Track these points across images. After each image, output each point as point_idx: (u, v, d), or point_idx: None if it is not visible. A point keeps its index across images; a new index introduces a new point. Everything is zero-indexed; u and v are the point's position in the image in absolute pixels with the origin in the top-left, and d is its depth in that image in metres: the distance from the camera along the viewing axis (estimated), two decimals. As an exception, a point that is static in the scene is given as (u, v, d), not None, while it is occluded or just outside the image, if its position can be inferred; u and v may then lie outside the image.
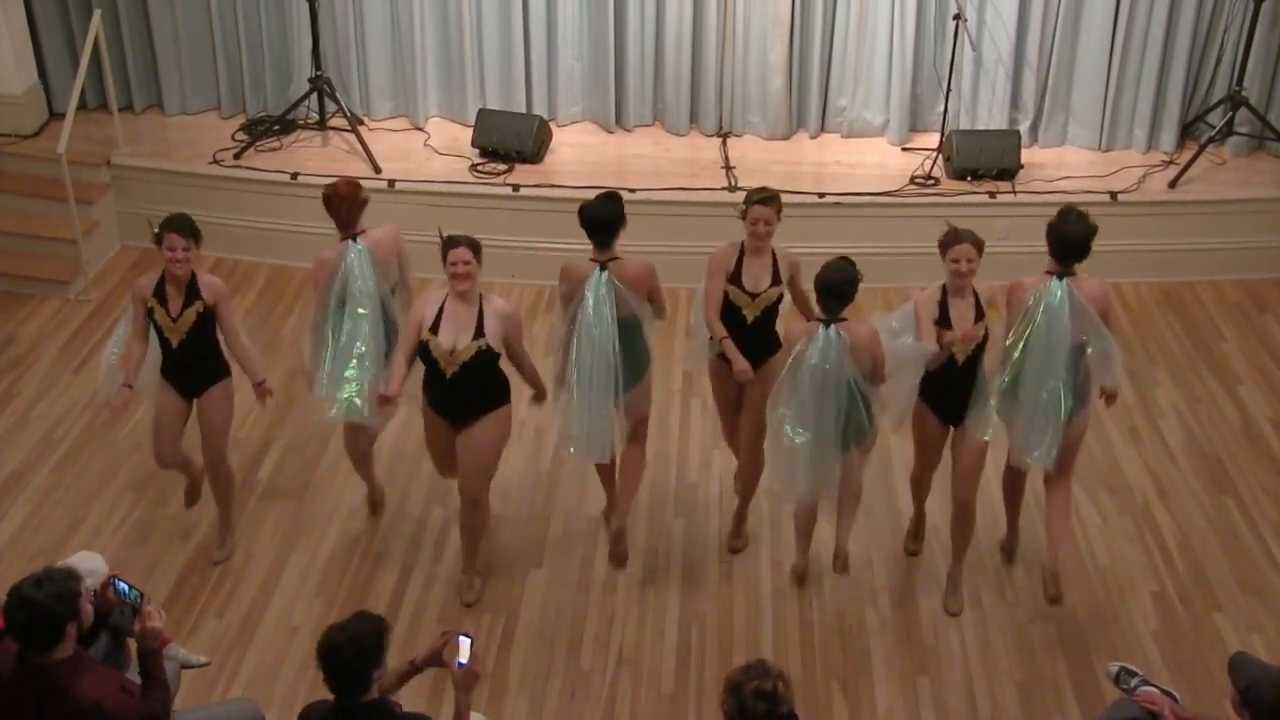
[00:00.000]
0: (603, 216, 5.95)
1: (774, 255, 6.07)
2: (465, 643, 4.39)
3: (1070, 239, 5.72)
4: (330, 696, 4.26)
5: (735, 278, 6.05)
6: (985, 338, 5.83)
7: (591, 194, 8.53)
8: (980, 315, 5.80)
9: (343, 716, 4.22)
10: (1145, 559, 6.57)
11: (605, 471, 6.49)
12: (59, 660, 4.24)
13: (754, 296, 6.03)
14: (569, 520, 6.81)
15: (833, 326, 5.61)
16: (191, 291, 6.05)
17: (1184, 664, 5.94)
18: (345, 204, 6.14)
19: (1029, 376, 5.74)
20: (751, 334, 6.06)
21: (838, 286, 5.61)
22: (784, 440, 5.72)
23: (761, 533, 6.72)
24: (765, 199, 6.00)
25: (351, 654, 4.13)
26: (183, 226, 5.99)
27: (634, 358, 6.07)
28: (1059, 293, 5.67)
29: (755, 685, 3.93)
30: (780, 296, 6.09)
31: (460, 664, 4.36)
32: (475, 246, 5.77)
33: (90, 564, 4.97)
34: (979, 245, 5.76)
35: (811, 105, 9.49)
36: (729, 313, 6.08)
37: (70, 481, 7.04)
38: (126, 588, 4.60)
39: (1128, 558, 6.57)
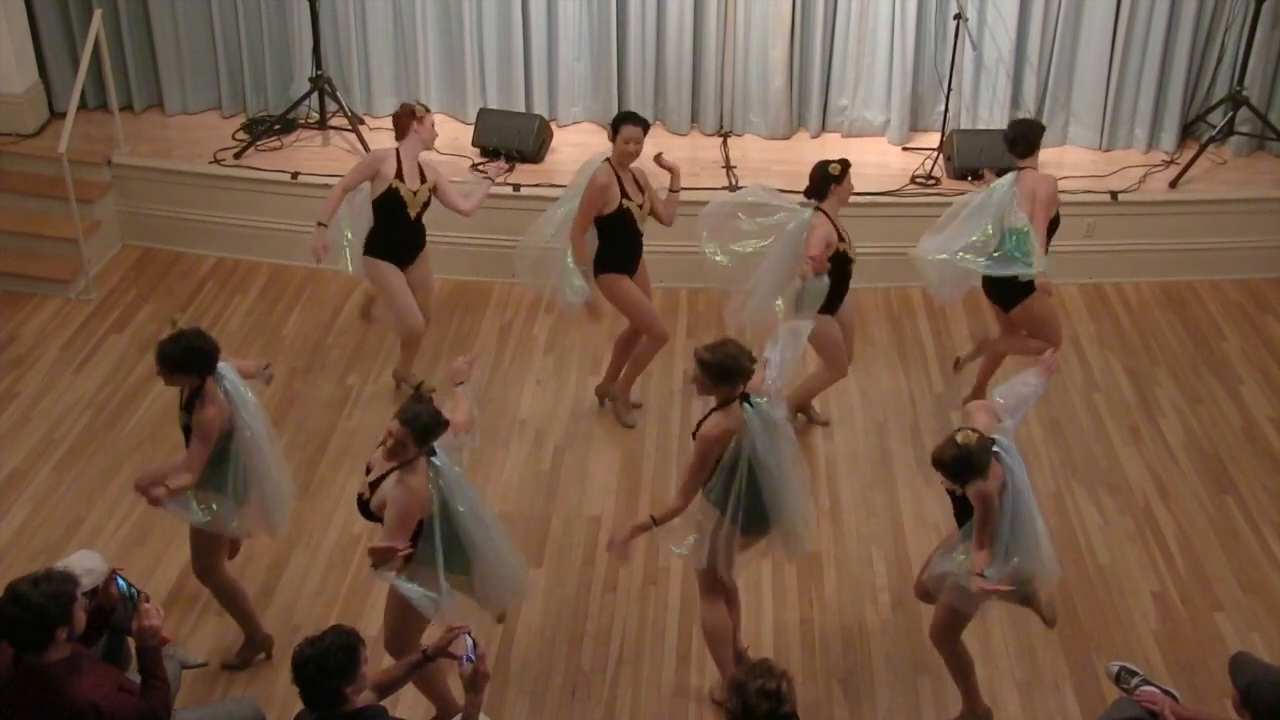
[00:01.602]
0: (614, 121, 7.10)
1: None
2: (468, 641, 4.39)
3: (1006, 134, 7.00)
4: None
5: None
6: None
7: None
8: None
9: None
10: (1146, 558, 6.57)
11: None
12: (56, 661, 4.24)
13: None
14: (569, 520, 6.81)
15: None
16: (190, 406, 5.43)
17: (1184, 663, 5.94)
18: (400, 115, 7.14)
19: (951, 230, 6.98)
20: None
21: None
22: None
23: (762, 532, 6.73)
24: None
25: (316, 671, 4.14)
26: (173, 364, 5.33)
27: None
28: (1002, 185, 6.87)
29: (760, 684, 3.94)
30: None
31: (468, 658, 4.34)
32: (414, 426, 4.89)
33: (90, 563, 4.98)
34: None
35: (812, 105, 9.49)
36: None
37: (71, 481, 7.04)
38: (126, 584, 4.60)
39: (1128, 557, 6.57)
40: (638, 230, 7.09)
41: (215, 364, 5.38)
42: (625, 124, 6.94)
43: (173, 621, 6.08)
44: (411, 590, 4.96)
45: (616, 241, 7.07)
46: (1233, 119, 9.08)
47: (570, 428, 7.44)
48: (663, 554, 6.56)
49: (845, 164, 6.74)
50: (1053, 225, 6.88)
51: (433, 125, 7.13)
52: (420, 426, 4.89)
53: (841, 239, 6.71)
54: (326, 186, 8.61)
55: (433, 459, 5.01)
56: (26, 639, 4.21)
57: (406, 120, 7.05)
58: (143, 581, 6.31)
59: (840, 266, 6.73)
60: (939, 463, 5.02)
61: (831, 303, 6.81)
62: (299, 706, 5.27)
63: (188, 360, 5.33)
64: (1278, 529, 6.75)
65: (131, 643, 4.83)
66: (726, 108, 9.51)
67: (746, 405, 5.22)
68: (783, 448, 5.29)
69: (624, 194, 6.98)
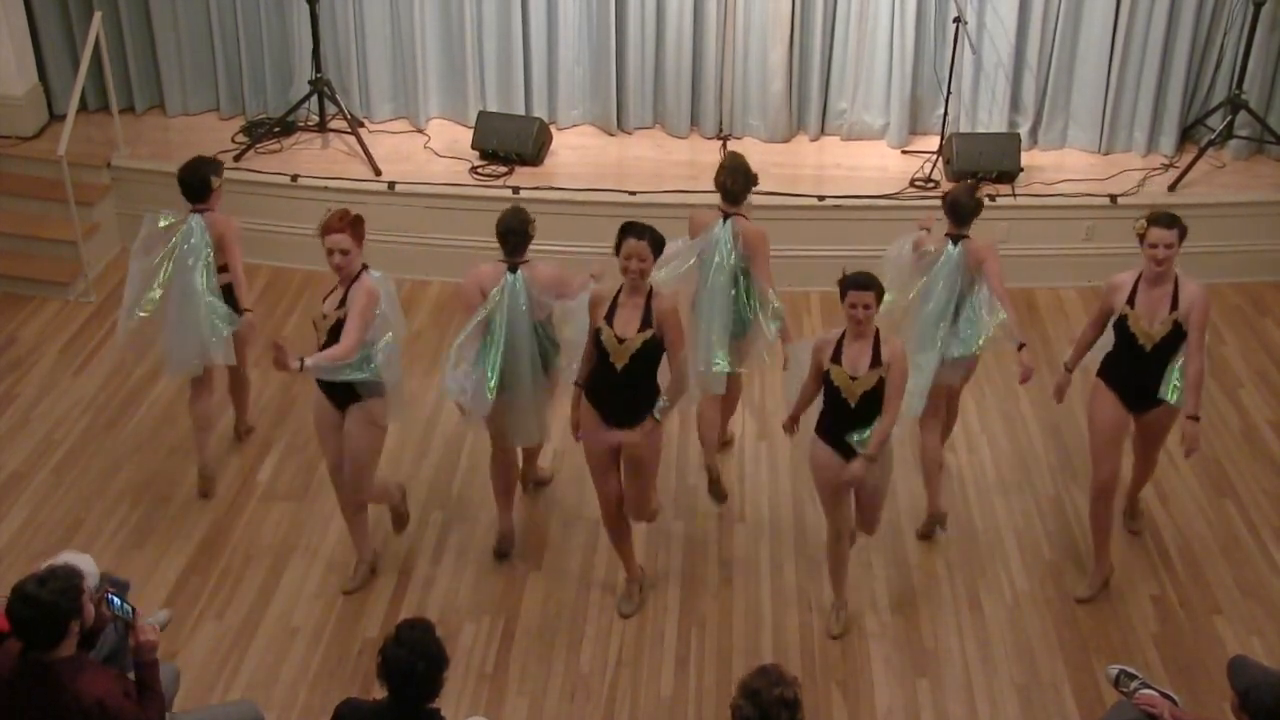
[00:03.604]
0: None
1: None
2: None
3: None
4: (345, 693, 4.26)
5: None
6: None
7: (592, 196, 8.66)
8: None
9: None
10: (1145, 561, 6.57)
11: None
12: (63, 659, 4.27)
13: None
14: (568, 522, 6.81)
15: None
16: None
17: (1184, 667, 5.94)
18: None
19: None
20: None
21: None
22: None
23: (761, 536, 6.73)
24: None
25: (426, 666, 4.17)
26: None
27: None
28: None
29: (778, 693, 3.91)
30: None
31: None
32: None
33: (78, 564, 4.95)
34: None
35: (811, 108, 9.50)
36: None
37: (70, 483, 7.04)
38: (119, 602, 4.60)
39: (1128, 560, 6.57)
40: (607, 362, 5.81)
41: (191, 200, 6.59)
42: (625, 237, 5.73)
43: (172, 622, 6.07)
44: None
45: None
46: (1232, 122, 9.08)
47: (569, 430, 7.43)
48: (661, 556, 6.57)
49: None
50: None
51: (333, 248, 5.76)
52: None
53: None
54: (326, 189, 8.69)
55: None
56: (41, 636, 4.25)
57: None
58: (142, 583, 6.32)
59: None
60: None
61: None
62: (300, 709, 5.28)
63: (180, 181, 6.62)
64: (1277, 533, 6.75)
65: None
66: (726, 111, 9.51)
67: None
68: None
69: (609, 318, 5.81)
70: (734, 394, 7.05)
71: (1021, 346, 6.29)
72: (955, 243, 6.24)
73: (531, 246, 6.25)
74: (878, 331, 5.66)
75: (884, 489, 5.97)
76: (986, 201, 5.99)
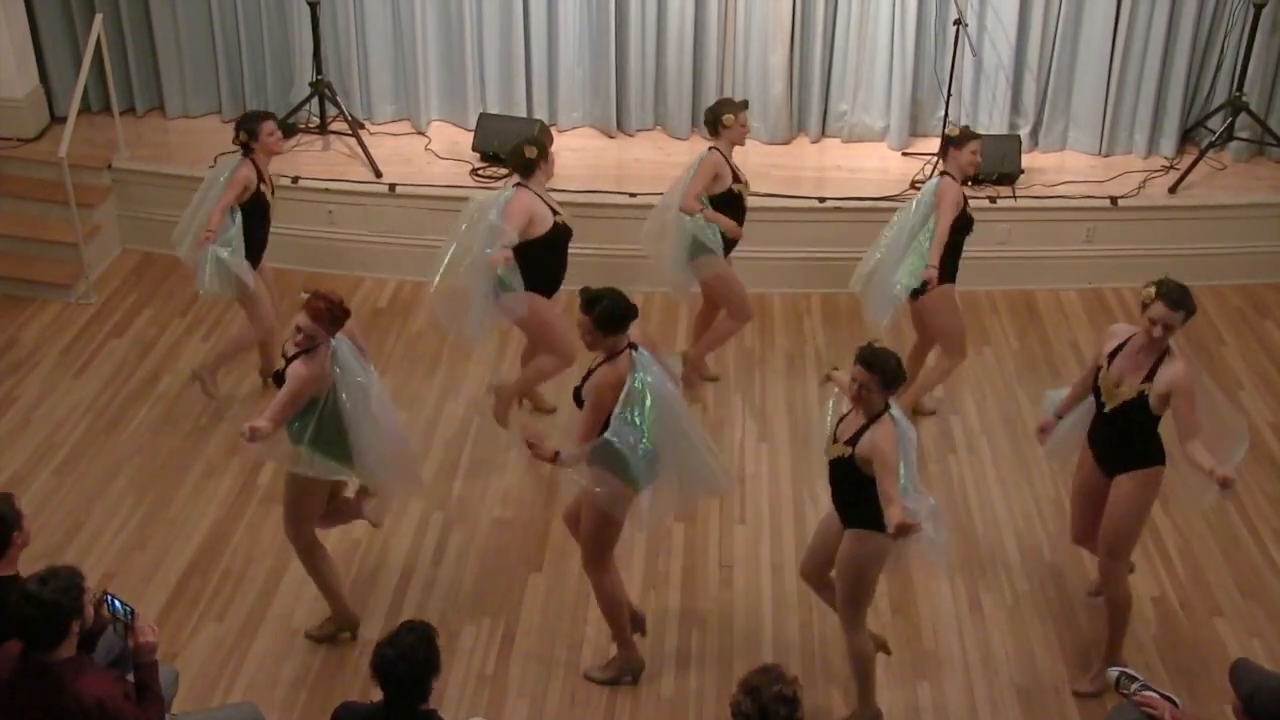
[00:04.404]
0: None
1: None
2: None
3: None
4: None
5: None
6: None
7: (593, 198, 8.66)
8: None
9: None
10: (1145, 563, 6.56)
11: None
12: (63, 659, 4.28)
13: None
14: (569, 524, 6.82)
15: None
16: None
17: (1184, 668, 5.94)
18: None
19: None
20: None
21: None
22: None
23: (761, 537, 6.73)
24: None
25: (410, 670, 4.19)
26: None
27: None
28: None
29: (778, 690, 3.94)
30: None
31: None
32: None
33: None
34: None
35: (812, 110, 9.50)
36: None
37: (70, 485, 7.04)
38: (120, 604, 4.60)
39: (1128, 562, 6.58)
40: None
41: (240, 148, 7.24)
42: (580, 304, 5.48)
43: (173, 625, 6.09)
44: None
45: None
46: (1232, 124, 9.08)
47: (569, 432, 7.43)
48: (661, 559, 6.57)
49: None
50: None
51: (301, 326, 5.46)
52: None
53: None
54: (327, 191, 8.71)
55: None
56: (43, 636, 4.26)
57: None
58: (143, 585, 6.33)
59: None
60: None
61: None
62: (300, 711, 5.27)
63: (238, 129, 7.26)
64: (1277, 533, 6.75)
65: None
66: (726, 112, 9.51)
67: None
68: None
69: None
70: (713, 327, 7.68)
71: (929, 269, 6.80)
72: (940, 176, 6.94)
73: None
74: (883, 414, 5.11)
75: (848, 584, 5.34)
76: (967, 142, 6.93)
